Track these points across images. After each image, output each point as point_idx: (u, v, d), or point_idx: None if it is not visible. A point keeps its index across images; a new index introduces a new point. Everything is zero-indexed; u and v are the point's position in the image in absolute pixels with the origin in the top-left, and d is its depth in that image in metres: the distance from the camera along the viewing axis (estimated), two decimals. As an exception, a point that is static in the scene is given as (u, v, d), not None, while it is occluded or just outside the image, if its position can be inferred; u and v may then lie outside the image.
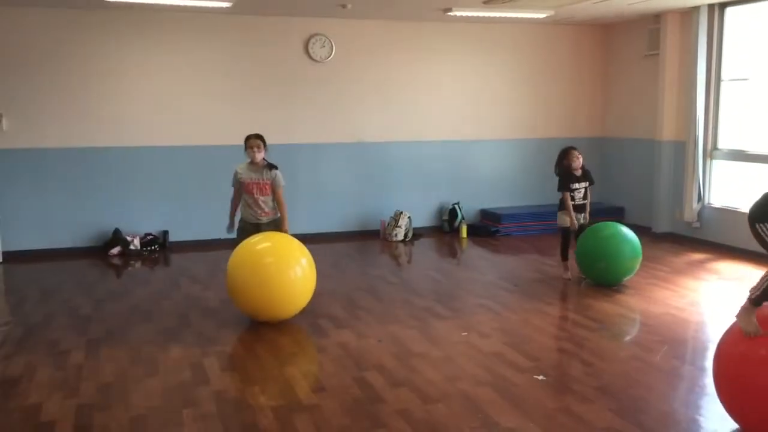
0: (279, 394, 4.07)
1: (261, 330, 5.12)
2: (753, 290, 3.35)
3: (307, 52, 8.42)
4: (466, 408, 3.79)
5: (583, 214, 6.53)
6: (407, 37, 8.78)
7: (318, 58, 8.45)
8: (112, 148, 7.91)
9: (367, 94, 8.72)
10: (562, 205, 6.51)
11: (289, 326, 5.25)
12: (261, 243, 5.29)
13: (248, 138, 5.80)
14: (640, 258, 6.19)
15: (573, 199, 6.47)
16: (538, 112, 9.49)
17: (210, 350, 4.78)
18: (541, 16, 8.21)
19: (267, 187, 5.72)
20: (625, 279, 6.26)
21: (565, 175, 6.49)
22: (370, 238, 8.66)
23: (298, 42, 8.39)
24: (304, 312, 5.50)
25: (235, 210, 5.92)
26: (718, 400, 3.72)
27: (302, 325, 5.30)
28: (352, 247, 8.29)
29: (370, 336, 5.00)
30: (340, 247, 8.27)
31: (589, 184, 6.56)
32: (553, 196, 9.19)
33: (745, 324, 3.31)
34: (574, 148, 6.53)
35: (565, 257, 6.57)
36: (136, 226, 8.00)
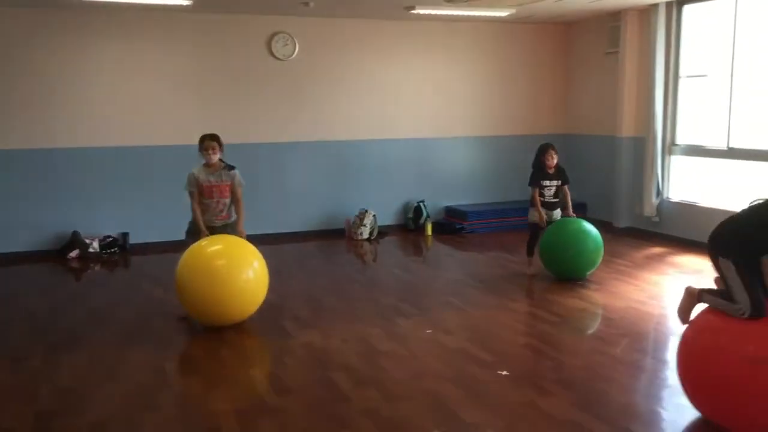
0: (242, 396, 4.02)
1: (224, 332, 5.06)
2: (707, 291, 3.51)
3: (270, 50, 8.35)
4: (431, 405, 3.80)
5: (555, 212, 6.56)
6: (370, 35, 8.77)
7: (281, 57, 8.38)
8: (70, 149, 7.74)
9: (330, 92, 8.68)
10: (533, 201, 6.55)
11: (252, 328, 5.20)
12: (212, 245, 5.12)
13: (203, 139, 5.57)
14: (602, 251, 6.29)
15: (543, 196, 6.52)
16: (501, 110, 9.56)
17: (171, 353, 4.72)
18: (503, 14, 8.26)
19: (227, 188, 5.57)
20: (588, 273, 6.35)
21: (537, 171, 6.54)
22: (335, 237, 8.64)
23: (260, 40, 8.31)
24: (268, 313, 5.46)
25: (200, 214, 5.58)
26: (678, 392, 3.80)
27: (266, 326, 5.25)
28: (317, 247, 8.25)
29: (335, 336, 4.98)
30: (304, 246, 8.23)
31: (562, 183, 6.57)
32: (517, 193, 9.36)
33: (682, 307, 3.62)
34: (551, 146, 6.56)
35: (530, 253, 6.63)
36: (96, 228, 7.85)
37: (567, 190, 6.60)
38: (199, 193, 5.53)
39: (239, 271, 4.98)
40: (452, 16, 8.43)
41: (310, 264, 7.44)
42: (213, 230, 5.49)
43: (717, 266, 3.47)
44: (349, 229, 8.65)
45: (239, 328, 5.14)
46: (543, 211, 6.48)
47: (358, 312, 5.56)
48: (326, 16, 8.43)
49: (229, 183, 5.58)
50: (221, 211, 5.58)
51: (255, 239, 8.16)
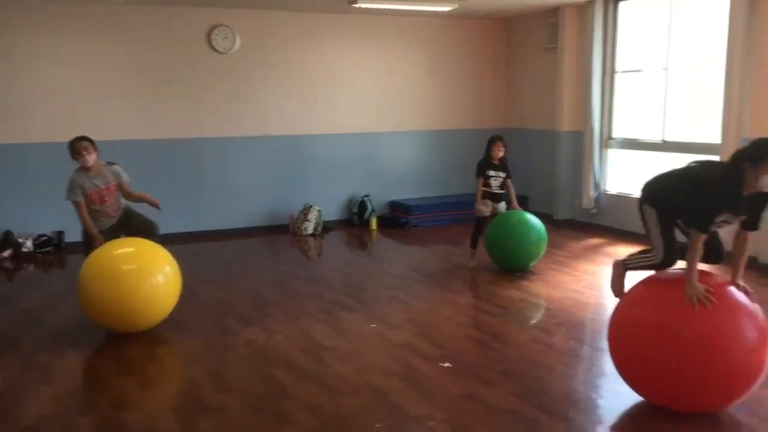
0: (181, 396, 3.96)
1: (162, 331, 4.96)
2: (628, 260, 3.79)
3: (209, 43, 8.20)
4: (374, 400, 3.81)
5: (500, 204, 6.64)
6: (314, 29, 8.70)
7: (221, 50, 8.25)
8: (1, 145, 7.45)
9: (273, 86, 8.59)
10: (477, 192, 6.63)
11: (192, 326, 5.12)
12: (120, 248, 4.88)
13: (73, 143, 5.23)
14: (545, 243, 6.42)
15: (489, 186, 6.59)
16: (444, 104, 9.63)
17: (107, 354, 4.60)
18: (445, 9, 8.31)
19: (114, 188, 5.33)
20: (532, 264, 6.46)
21: (483, 162, 6.62)
22: (280, 232, 8.56)
23: (200, 33, 8.16)
24: (210, 310, 5.39)
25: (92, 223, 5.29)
26: (615, 379, 3.91)
27: (207, 324, 5.17)
28: (260, 243, 8.17)
29: (278, 332, 4.94)
30: (248, 242, 8.14)
31: (506, 177, 6.65)
32: (461, 187, 9.47)
33: (614, 284, 3.96)
34: (499, 139, 6.64)
35: (474, 245, 6.70)
36: (29, 227, 7.59)
37: (510, 184, 6.69)
38: (87, 201, 5.24)
39: (149, 277, 4.71)
40: (395, 10, 8.44)
41: (254, 260, 7.36)
42: (113, 231, 5.23)
43: (641, 212, 3.71)
44: (293, 224, 8.59)
45: (178, 326, 5.05)
46: (489, 204, 6.56)
47: (302, 308, 5.53)
48: (268, 9, 8.34)
49: (115, 182, 5.33)
50: (113, 210, 5.37)
51: (197, 236, 8.18)
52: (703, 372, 3.27)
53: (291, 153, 8.78)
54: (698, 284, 3.33)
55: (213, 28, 8.17)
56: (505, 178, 6.64)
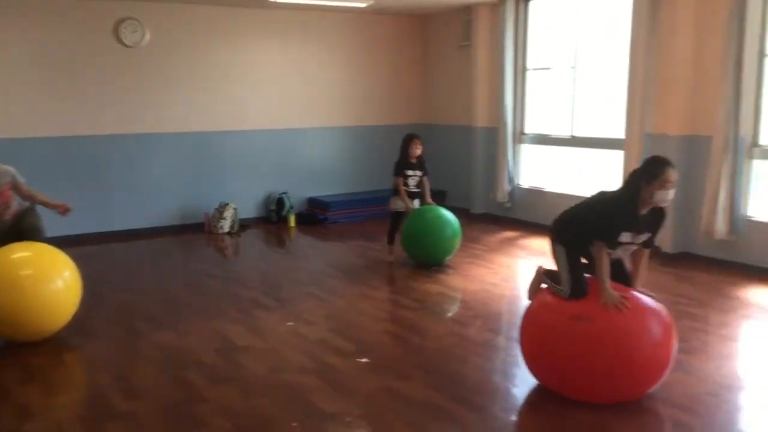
0: (88, 403, 3.80)
1: (67, 337, 4.73)
2: (546, 272, 3.89)
3: (117, 37, 7.89)
4: (290, 398, 3.76)
5: (414, 201, 6.66)
6: (227, 24, 8.52)
7: (130, 44, 7.95)
8: None
9: (186, 81, 8.36)
10: (395, 190, 6.63)
11: (100, 330, 4.92)
12: (16, 253, 4.59)
13: None
14: (460, 237, 6.51)
15: (407, 185, 6.61)
16: (361, 100, 9.63)
17: (9, 362, 4.35)
18: (362, 5, 8.31)
19: (8, 190, 5.05)
20: (447, 258, 6.55)
21: (401, 161, 6.62)
22: (194, 231, 8.35)
23: (107, 27, 7.83)
24: (120, 314, 5.20)
25: None
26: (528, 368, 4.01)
27: (117, 327, 4.98)
28: (174, 242, 7.94)
29: (191, 334, 4.82)
30: (161, 242, 7.90)
31: (423, 174, 6.69)
32: (379, 182, 9.49)
33: (531, 285, 3.99)
34: (416, 137, 6.64)
35: (391, 241, 6.73)
36: None
37: (426, 181, 6.74)
38: None
39: (47, 282, 4.49)
40: (311, 5, 8.37)
41: (167, 260, 7.15)
42: (5, 237, 4.94)
43: (552, 250, 3.81)
44: (208, 223, 8.40)
45: (85, 331, 4.84)
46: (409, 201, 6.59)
47: (217, 308, 5.41)
48: (179, 2, 8.10)
49: (9, 185, 5.06)
50: (8, 213, 5.09)
51: (107, 237, 7.88)
52: (613, 367, 3.41)
53: (205, 150, 8.58)
54: (613, 292, 3.49)
55: (121, 21, 7.87)
56: (422, 176, 6.68)
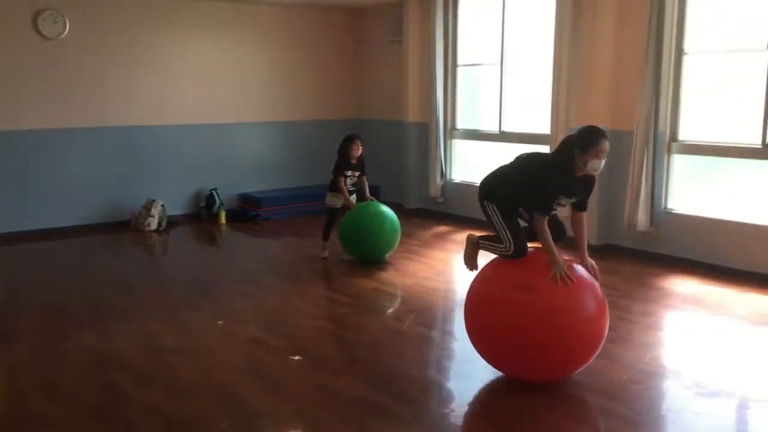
0: (7, 409, 3.62)
1: (-13, 340, 4.53)
2: (482, 242, 3.90)
3: (36, 28, 7.56)
4: (221, 398, 3.69)
5: (351, 197, 6.60)
6: (153, 15, 8.28)
7: (50, 35, 7.63)
8: None
9: (109, 75, 8.08)
10: (332, 186, 6.55)
11: (21, 333, 4.71)
12: None
13: None
14: (399, 233, 6.50)
15: (345, 184, 6.53)
16: (294, 95, 9.53)
17: None
18: (290, -2, 8.24)
19: None
20: (388, 255, 6.54)
21: (342, 161, 6.51)
22: (120, 229, 8.10)
23: (25, 17, 7.49)
24: (43, 316, 4.99)
25: None
26: (462, 361, 4.12)
27: (40, 330, 4.78)
28: (99, 241, 7.69)
29: (118, 335, 4.67)
30: (85, 241, 7.63)
31: (361, 174, 6.63)
32: (311, 178, 9.45)
33: (466, 255, 4.01)
34: (357, 137, 6.53)
35: (326, 237, 6.67)
36: None
37: (365, 180, 6.68)
38: None
39: None
40: (239, -2, 8.25)
41: (92, 260, 6.91)
42: None
43: (483, 209, 3.85)
44: (135, 220, 8.16)
45: (4, 335, 4.63)
46: (340, 196, 6.50)
47: (145, 308, 5.27)
48: (100, -7, 7.84)
49: None
50: None
51: (27, 236, 7.56)
52: (551, 338, 3.49)
53: (131, 145, 8.32)
54: (561, 261, 3.56)
55: (40, 12, 7.54)
56: (360, 176, 6.64)
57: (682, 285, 5.69)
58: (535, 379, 3.71)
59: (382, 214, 6.42)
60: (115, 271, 6.44)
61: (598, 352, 3.70)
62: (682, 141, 6.35)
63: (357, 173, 6.60)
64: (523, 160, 3.89)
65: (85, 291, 5.73)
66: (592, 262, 3.81)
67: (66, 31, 7.72)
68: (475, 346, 3.86)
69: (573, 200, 3.75)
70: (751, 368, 4.02)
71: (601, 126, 3.79)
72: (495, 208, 3.76)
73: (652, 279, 5.87)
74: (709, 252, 6.09)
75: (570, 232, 3.90)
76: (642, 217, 6.38)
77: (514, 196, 3.77)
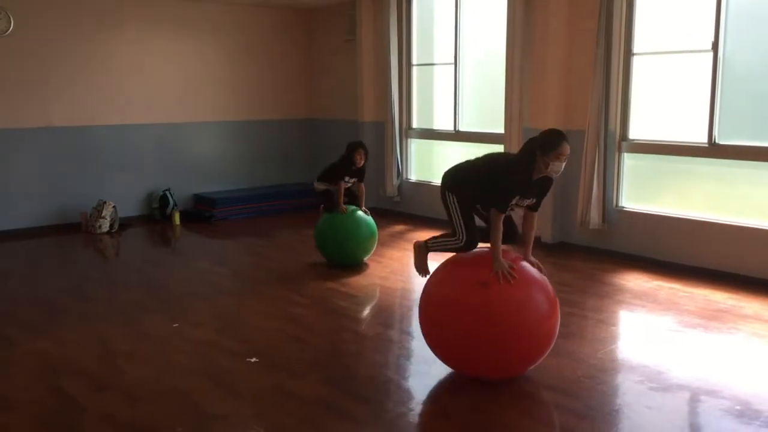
0: (-48, 420, 3.51)
1: (-70, 348, 4.37)
2: (431, 241, 3.96)
3: (-22, 25, 7.34)
4: (176, 403, 3.63)
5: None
6: (103, 12, 8.10)
7: (-6, 32, 7.42)
8: None
9: (57, 73, 7.88)
10: (322, 177, 6.42)
11: (-33, 340, 4.56)
12: None
13: None
14: (377, 237, 6.43)
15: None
16: (248, 94, 9.44)
17: None
18: (244, -4, 8.15)
19: None
20: (366, 258, 6.46)
21: (344, 167, 6.34)
22: (71, 232, 7.91)
23: (-35, 12, 7.27)
24: (-13, 322, 4.84)
25: None
26: (420, 360, 4.13)
27: (-15, 336, 4.64)
28: (49, 244, 7.49)
29: (69, 340, 4.55)
30: (34, 244, 7.43)
31: (358, 181, 6.47)
32: (265, 178, 9.40)
33: (418, 261, 4.08)
34: (363, 148, 6.35)
35: (329, 209, 6.36)
36: None
37: (362, 187, 6.53)
38: None
39: None
40: (191, -4, 8.13)
41: (42, 263, 6.73)
42: None
43: (444, 199, 3.93)
44: (86, 222, 7.97)
45: (-51, 342, 4.47)
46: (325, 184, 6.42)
47: (97, 312, 5.15)
48: (47, -11, 7.63)
49: None
50: None
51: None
52: (503, 338, 3.55)
53: (81, 145, 8.13)
54: (503, 260, 3.63)
55: (-18, 7, 7.33)
56: (357, 182, 6.49)
57: (633, 281, 5.82)
58: (489, 377, 3.75)
59: (359, 219, 6.30)
60: (66, 275, 6.28)
61: (550, 349, 3.77)
62: (632, 140, 6.49)
63: (355, 180, 6.45)
64: (488, 159, 4.01)
65: (35, 295, 5.58)
66: (534, 260, 3.88)
67: (10, 29, 7.50)
68: (429, 346, 3.89)
69: (531, 201, 3.82)
70: (701, 362, 4.14)
71: (559, 128, 3.88)
72: (455, 199, 3.85)
73: (605, 275, 5.99)
74: (659, 249, 6.25)
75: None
76: (594, 215, 6.51)
77: (474, 191, 3.85)
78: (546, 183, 3.83)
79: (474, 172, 3.93)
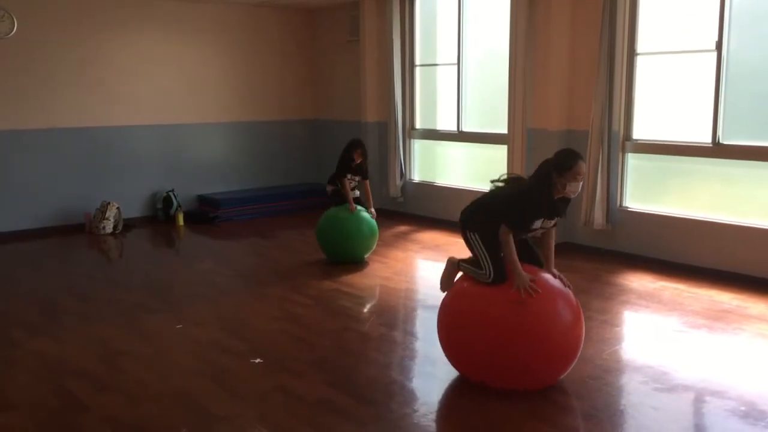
0: (-45, 421, 3.51)
1: (-67, 349, 4.37)
2: (462, 267, 3.86)
3: (-18, 26, 7.35)
4: (179, 403, 3.63)
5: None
6: (107, 14, 8.10)
7: (-3, 34, 7.43)
8: None
9: (61, 74, 7.88)
10: (331, 180, 6.60)
11: (-30, 341, 4.57)
12: None
13: None
14: (377, 236, 6.48)
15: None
16: (251, 95, 9.44)
17: None
18: (247, -3, 8.15)
19: None
20: (366, 255, 6.51)
21: (343, 165, 6.49)
22: (75, 233, 7.91)
23: (-31, 14, 7.28)
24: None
25: None
26: (423, 362, 4.12)
27: (-12, 337, 4.64)
28: (52, 245, 7.49)
29: (72, 341, 4.55)
30: (37, 245, 7.43)
31: (362, 178, 6.58)
32: (269, 179, 9.40)
33: (444, 275, 3.91)
34: (359, 146, 6.49)
35: (343, 200, 6.49)
36: None
37: (368, 185, 6.63)
38: None
39: None
40: (194, -3, 8.13)
41: (45, 264, 6.73)
42: None
43: (466, 239, 3.85)
44: (89, 223, 7.97)
45: (-47, 343, 4.47)
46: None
47: (100, 313, 5.15)
48: (50, -10, 7.64)
49: None
50: None
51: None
52: (531, 352, 3.54)
53: (85, 147, 8.14)
54: (524, 274, 3.59)
55: (-14, 8, 7.34)
56: (361, 180, 6.60)
57: (637, 281, 5.80)
58: (519, 389, 3.70)
59: (358, 217, 6.35)
60: (69, 276, 6.28)
61: (578, 357, 3.75)
62: (635, 140, 6.47)
63: (357, 178, 6.55)
64: (505, 191, 3.90)
65: (38, 296, 5.59)
66: (557, 272, 3.83)
67: (14, 30, 7.50)
68: (452, 363, 3.86)
69: (550, 224, 3.79)
70: (706, 363, 4.12)
71: (577, 152, 3.75)
72: (476, 236, 3.76)
73: (609, 276, 5.97)
74: (663, 249, 6.22)
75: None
76: (598, 215, 6.49)
77: (494, 224, 3.73)
78: (565, 201, 3.78)
79: (493, 206, 3.84)
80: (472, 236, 3.79)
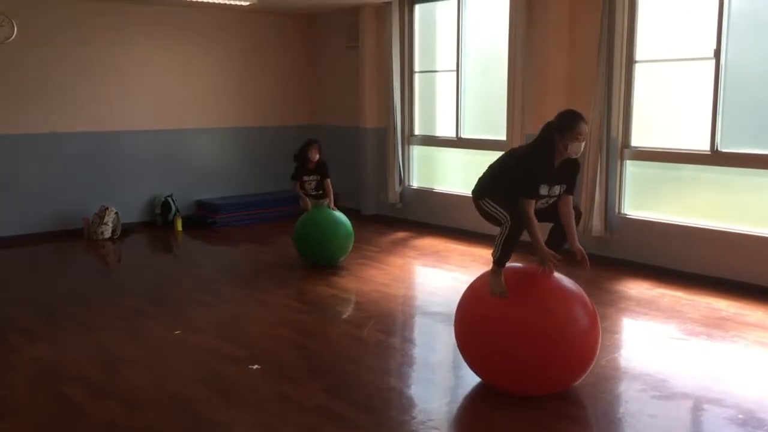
0: (-48, 427, 3.50)
1: (-69, 354, 4.36)
2: (494, 253, 3.73)
3: (-19, 31, 7.36)
4: (177, 410, 3.62)
5: (324, 201, 6.62)
6: (106, 19, 8.11)
7: (-3, 39, 7.44)
8: None
9: (60, 80, 7.88)
10: (298, 193, 6.66)
11: (-32, 346, 4.56)
12: None
13: None
14: (353, 238, 6.52)
15: (304, 189, 6.59)
16: (250, 100, 9.45)
17: None
18: (245, 3, 8.15)
19: None
20: (341, 259, 6.53)
21: (299, 166, 6.60)
22: (73, 238, 7.90)
23: (-31, 19, 7.29)
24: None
25: None
26: (422, 368, 4.10)
27: (-14, 342, 4.63)
28: (50, 250, 7.48)
29: (70, 346, 4.54)
30: (36, 250, 7.42)
31: (321, 178, 6.63)
32: (268, 184, 9.39)
33: (494, 285, 3.66)
34: (314, 142, 6.61)
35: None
36: None
37: (327, 184, 6.68)
38: None
39: None
40: (194, 2, 8.13)
41: (43, 269, 6.72)
42: None
43: (479, 209, 3.87)
44: (87, 228, 7.97)
45: (-50, 348, 4.46)
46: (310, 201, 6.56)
47: (98, 318, 5.14)
48: (50, -5, 7.65)
49: None
50: None
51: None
52: (550, 356, 3.53)
53: (83, 151, 8.14)
54: (546, 249, 3.65)
55: (-14, 14, 7.35)
56: (321, 179, 6.65)
57: (636, 288, 5.80)
58: (538, 395, 3.69)
59: (334, 218, 6.42)
60: (67, 281, 6.28)
61: (595, 361, 3.75)
62: (634, 147, 6.48)
63: (316, 177, 6.60)
64: (506, 155, 3.98)
65: (36, 301, 5.58)
66: (581, 248, 3.82)
67: (14, 35, 7.51)
68: (473, 369, 3.83)
69: (557, 191, 3.77)
70: (704, 370, 4.12)
71: (578, 112, 3.76)
72: (488, 200, 3.79)
73: (607, 283, 5.97)
74: (661, 256, 6.23)
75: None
76: (597, 222, 6.50)
77: (501, 189, 3.78)
78: (573, 165, 3.80)
79: (497, 171, 3.89)
80: (485, 203, 3.81)
